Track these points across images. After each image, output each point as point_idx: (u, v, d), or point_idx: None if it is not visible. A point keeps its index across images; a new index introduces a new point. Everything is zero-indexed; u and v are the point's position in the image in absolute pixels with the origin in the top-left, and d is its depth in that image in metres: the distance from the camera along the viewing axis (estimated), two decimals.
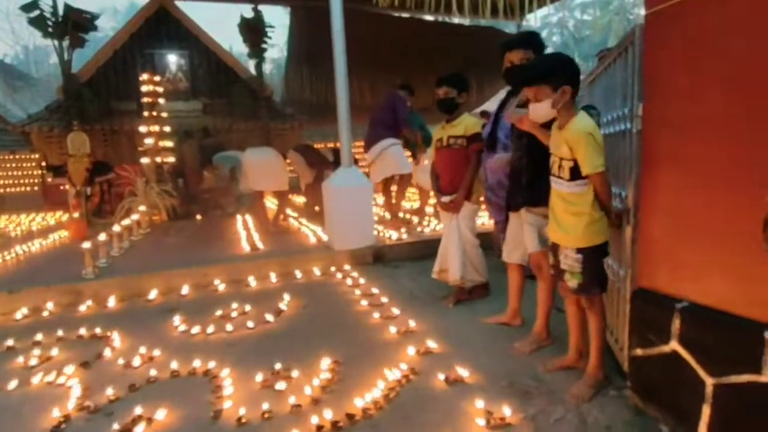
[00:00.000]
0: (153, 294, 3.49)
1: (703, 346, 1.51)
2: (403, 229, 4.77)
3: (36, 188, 10.67)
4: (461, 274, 2.95)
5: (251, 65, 11.06)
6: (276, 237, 4.99)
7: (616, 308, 2.11)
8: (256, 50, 9.86)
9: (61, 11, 8.51)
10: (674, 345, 1.62)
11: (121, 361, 2.40)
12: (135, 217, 5.48)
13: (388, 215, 5.33)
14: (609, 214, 1.86)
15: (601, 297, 1.98)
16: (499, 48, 2.51)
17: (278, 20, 11.15)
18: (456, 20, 10.79)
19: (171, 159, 7.62)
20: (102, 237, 4.02)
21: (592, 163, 1.73)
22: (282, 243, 4.69)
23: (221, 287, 3.63)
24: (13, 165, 12.16)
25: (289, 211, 6.65)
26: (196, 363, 2.32)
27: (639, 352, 1.78)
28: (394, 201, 5.30)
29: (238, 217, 6.45)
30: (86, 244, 3.62)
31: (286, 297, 3.27)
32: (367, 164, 5.18)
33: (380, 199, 6.09)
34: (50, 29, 8.53)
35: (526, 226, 2.36)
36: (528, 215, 2.34)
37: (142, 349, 2.50)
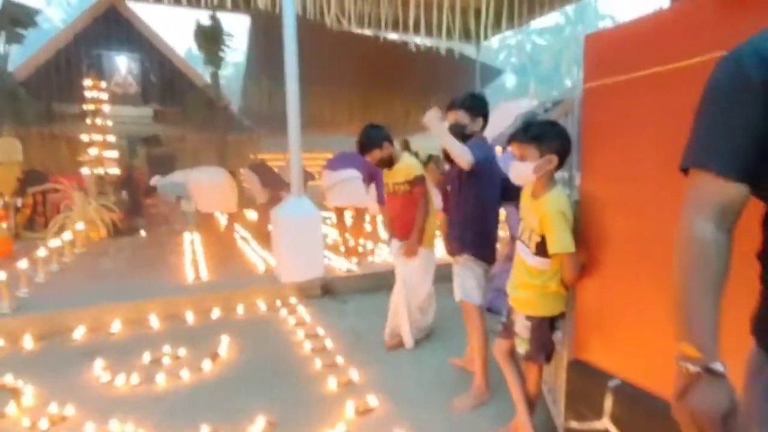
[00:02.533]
0: (78, 332, 3.22)
1: (634, 428, 1.51)
2: (354, 259, 4.69)
3: None
4: (413, 340, 2.94)
5: (207, 73, 10.70)
6: (222, 263, 4.78)
7: (557, 372, 2.11)
8: (213, 58, 9.54)
9: None
10: (606, 423, 1.61)
11: (26, 422, 2.16)
12: (67, 236, 5.09)
13: (342, 248, 5.19)
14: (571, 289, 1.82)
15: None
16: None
17: (239, 26, 10.81)
18: (418, 40, 10.94)
19: (115, 170, 7.20)
20: (24, 264, 3.68)
21: (562, 242, 1.68)
22: (227, 270, 4.49)
23: (156, 324, 3.40)
24: None
25: (240, 228, 6.43)
26: (113, 426, 2.11)
27: (574, 424, 1.77)
28: (349, 237, 5.15)
29: (186, 235, 6.14)
30: (1, 275, 3.29)
31: (225, 339, 3.09)
32: (324, 187, 5.05)
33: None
34: None
35: (455, 271, 2.41)
36: (456, 262, 2.42)
37: (54, 406, 2.26)
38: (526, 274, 1.83)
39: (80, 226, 5.63)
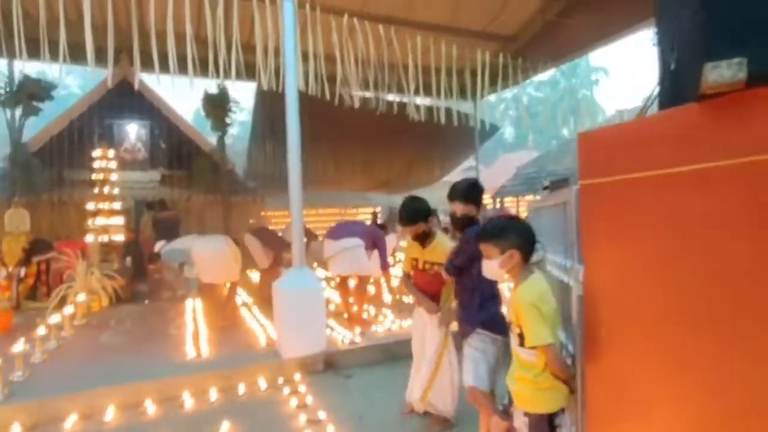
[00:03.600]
0: (70, 421, 3.10)
1: None
2: (357, 329, 4.58)
3: None
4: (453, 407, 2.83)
5: (214, 137, 11.05)
6: (223, 335, 4.68)
7: None
8: (220, 124, 9.87)
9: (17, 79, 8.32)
10: None
11: None
12: (68, 309, 5.03)
13: (345, 315, 5.10)
14: (567, 383, 1.76)
15: None
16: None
17: (246, 89, 11.32)
18: (418, 100, 11.35)
19: (120, 237, 7.26)
20: (20, 346, 3.61)
21: (536, 335, 1.66)
22: (228, 345, 4.38)
23: (152, 409, 3.27)
24: None
25: (243, 292, 6.36)
26: None
27: None
28: (354, 305, 5.07)
29: (189, 303, 6.05)
30: None
31: (225, 424, 2.96)
32: (326, 256, 5.03)
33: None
34: (3, 98, 8.31)
35: (467, 354, 2.41)
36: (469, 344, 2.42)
37: None
38: (520, 367, 1.81)
39: (81, 297, 5.59)
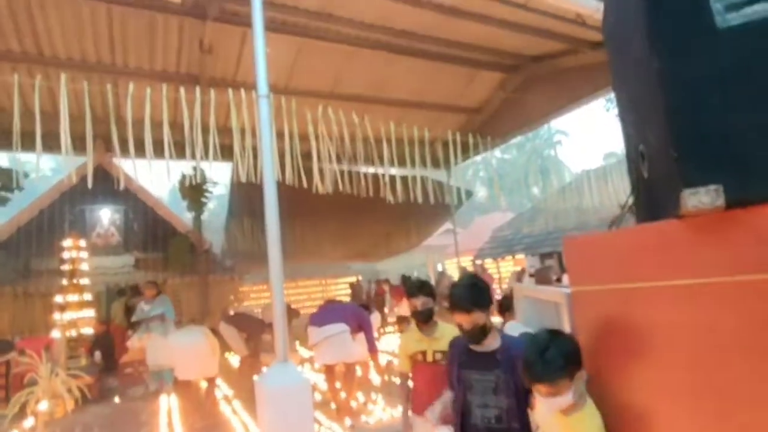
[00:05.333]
0: None
1: None
2: (348, 421, 4.32)
3: None
4: None
5: (190, 214, 10.97)
6: None
7: None
8: (196, 205, 9.83)
9: None
10: None
11: None
12: (29, 422, 4.60)
13: (333, 405, 4.83)
14: None
15: None
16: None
17: (220, 168, 11.46)
18: (393, 170, 11.67)
19: (89, 330, 6.87)
20: None
21: None
22: None
23: None
24: None
25: (222, 383, 5.99)
26: None
27: None
28: (341, 392, 4.83)
29: (163, 401, 5.61)
30: None
31: None
32: (310, 344, 4.84)
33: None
34: None
35: None
36: None
37: None
38: None
39: (44, 405, 5.14)
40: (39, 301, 8.66)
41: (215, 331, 5.23)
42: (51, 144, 4.48)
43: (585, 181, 12.24)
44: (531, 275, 9.85)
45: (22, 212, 9.37)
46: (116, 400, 6.34)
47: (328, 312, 4.94)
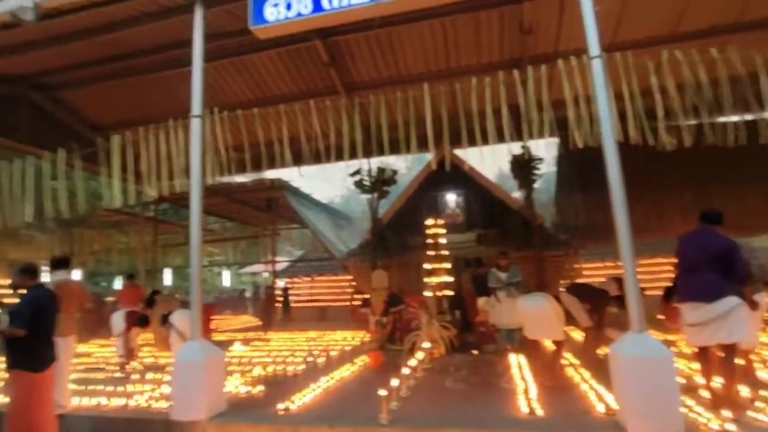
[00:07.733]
0: None
1: None
2: (728, 414, 3.64)
3: (348, 305, 13.76)
4: None
5: (519, 193, 11.62)
6: (553, 396, 4.58)
7: None
8: (526, 183, 10.30)
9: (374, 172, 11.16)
10: None
11: None
12: (419, 355, 6.04)
13: (706, 392, 4.15)
14: None
15: None
16: None
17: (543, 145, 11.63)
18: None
19: (449, 292, 8.35)
20: (395, 382, 4.54)
21: None
22: (561, 407, 4.25)
23: None
24: (335, 285, 16.03)
25: (567, 354, 6.13)
26: None
27: None
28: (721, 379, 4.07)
29: (513, 358, 6.27)
30: (382, 392, 4.12)
31: None
32: (693, 322, 4.02)
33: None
34: (366, 188, 11.25)
35: None
36: None
37: None
38: None
39: (426, 345, 6.62)
40: (414, 269, 11.13)
41: (558, 299, 5.40)
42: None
43: None
44: None
45: (396, 200, 12.27)
46: (474, 352, 7.47)
47: (703, 276, 3.97)
